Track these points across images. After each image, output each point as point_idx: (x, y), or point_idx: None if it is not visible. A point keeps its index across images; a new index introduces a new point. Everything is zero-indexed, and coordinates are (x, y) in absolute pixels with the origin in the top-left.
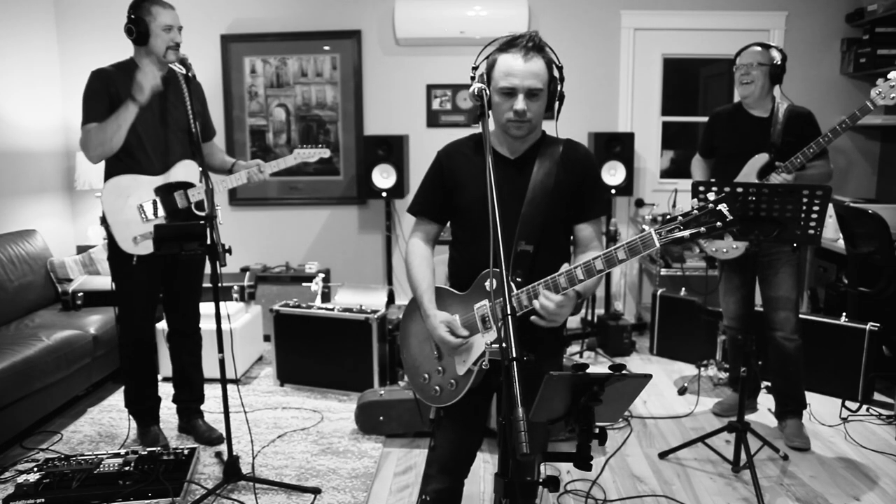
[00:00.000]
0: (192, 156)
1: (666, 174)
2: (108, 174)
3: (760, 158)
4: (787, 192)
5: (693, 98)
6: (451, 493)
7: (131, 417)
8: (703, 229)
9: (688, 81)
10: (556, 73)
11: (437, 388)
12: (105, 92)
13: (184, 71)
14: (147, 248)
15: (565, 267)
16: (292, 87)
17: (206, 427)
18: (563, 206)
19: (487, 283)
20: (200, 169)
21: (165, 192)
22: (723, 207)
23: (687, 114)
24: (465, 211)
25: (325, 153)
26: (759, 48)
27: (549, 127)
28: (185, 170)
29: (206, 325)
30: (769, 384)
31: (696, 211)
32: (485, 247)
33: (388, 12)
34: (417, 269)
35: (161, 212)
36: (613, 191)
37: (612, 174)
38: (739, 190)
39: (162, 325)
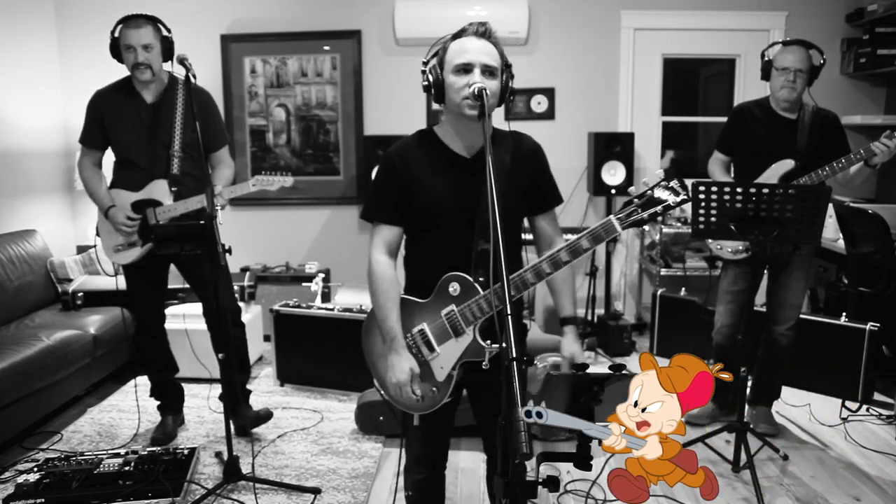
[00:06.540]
0: (164, 175)
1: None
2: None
3: (785, 164)
4: (787, 192)
5: (693, 98)
6: (432, 482)
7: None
8: (659, 208)
9: (688, 81)
10: (506, 64)
11: (417, 396)
12: (97, 119)
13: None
14: (127, 257)
15: (531, 261)
16: (292, 87)
17: (251, 412)
18: (519, 200)
19: (451, 288)
20: (174, 189)
21: (139, 208)
22: (675, 184)
23: (687, 114)
24: (424, 213)
25: (288, 181)
26: (806, 51)
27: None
28: (154, 188)
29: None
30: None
31: (649, 192)
32: (448, 248)
33: (388, 12)
34: (385, 296)
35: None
36: (613, 191)
37: (612, 174)
38: (739, 192)
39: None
